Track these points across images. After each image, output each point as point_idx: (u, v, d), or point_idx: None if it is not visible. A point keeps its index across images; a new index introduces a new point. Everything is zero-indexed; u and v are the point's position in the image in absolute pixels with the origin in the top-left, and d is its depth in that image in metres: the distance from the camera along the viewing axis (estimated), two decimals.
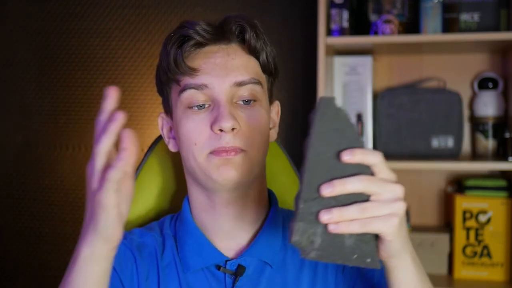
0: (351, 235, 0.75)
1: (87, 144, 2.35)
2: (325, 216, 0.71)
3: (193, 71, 0.93)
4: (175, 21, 2.28)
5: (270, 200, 1.05)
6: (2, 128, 2.43)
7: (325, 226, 0.74)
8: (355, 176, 0.72)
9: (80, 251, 0.77)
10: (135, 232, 1.03)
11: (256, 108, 0.95)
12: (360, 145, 0.74)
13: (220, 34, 0.96)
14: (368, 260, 0.76)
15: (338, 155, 0.73)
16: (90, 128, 2.35)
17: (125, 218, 0.77)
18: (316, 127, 0.73)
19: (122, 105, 2.30)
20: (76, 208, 2.37)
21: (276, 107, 1.06)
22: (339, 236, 0.75)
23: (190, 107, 0.93)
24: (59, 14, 2.36)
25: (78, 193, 2.36)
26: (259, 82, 0.96)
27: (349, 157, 0.72)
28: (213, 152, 0.92)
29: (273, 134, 1.04)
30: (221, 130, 0.90)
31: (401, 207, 0.73)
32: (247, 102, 0.94)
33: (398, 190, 0.73)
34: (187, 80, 0.94)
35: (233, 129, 0.91)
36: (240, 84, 0.93)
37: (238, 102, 0.94)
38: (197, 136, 0.92)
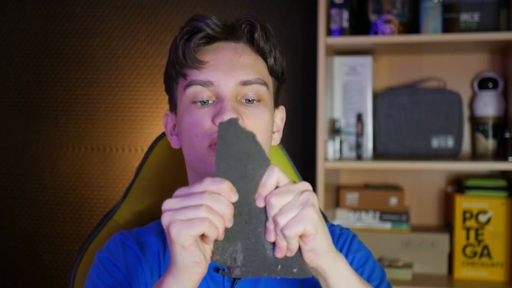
0: (272, 248, 0.76)
1: (86, 144, 2.35)
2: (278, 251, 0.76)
3: (200, 63, 0.93)
4: (175, 21, 2.28)
5: None
6: (2, 128, 2.43)
7: (245, 241, 0.76)
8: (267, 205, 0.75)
9: (164, 279, 0.78)
10: (137, 232, 1.03)
11: (260, 108, 0.94)
12: (267, 162, 0.76)
13: (229, 31, 0.96)
14: (295, 270, 0.76)
15: (245, 176, 0.76)
16: (90, 128, 2.35)
17: (210, 256, 0.77)
18: (219, 153, 0.76)
19: (122, 105, 2.31)
20: (76, 208, 2.37)
21: (281, 112, 1.06)
22: (261, 249, 0.76)
23: (194, 102, 0.93)
24: (59, 14, 2.36)
25: (78, 193, 2.36)
26: (264, 83, 0.95)
27: (261, 201, 0.76)
28: (212, 145, 0.91)
29: (276, 138, 1.04)
30: None
31: (308, 196, 0.75)
32: (251, 101, 0.94)
33: (302, 186, 0.76)
34: (193, 75, 0.93)
35: None
36: (245, 83, 0.93)
37: (242, 100, 0.94)
38: (198, 128, 0.92)
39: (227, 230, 0.75)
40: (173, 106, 1.01)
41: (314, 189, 1.86)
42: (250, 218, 0.76)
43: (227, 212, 0.73)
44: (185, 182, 1.02)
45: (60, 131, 2.38)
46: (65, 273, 2.38)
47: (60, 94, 2.37)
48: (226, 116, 0.88)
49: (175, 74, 0.97)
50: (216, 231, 0.73)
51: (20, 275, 2.43)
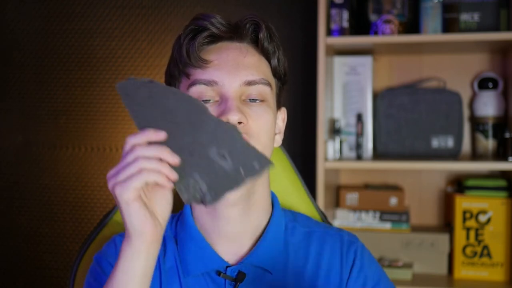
0: (226, 160, 0.76)
1: (86, 144, 2.35)
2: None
3: (204, 62, 0.92)
4: (175, 21, 2.28)
5: (273, 203, 1.04)
6: (2, 128, 2.43)
7: (199, 170, 0.77)
8: None
9: (121, 248, 0.80)
10: None
11: (263, 108, 0.94)
12: (170, 90, 0.78)
13: (234, 30, 0.96)
14: (255, 164, 0.76)
15: (162, 114, 0.77)
16: (90, 128, 2.35)
17: (162, 217, 0.80)
18: (130, 108, 0.79)
19: (122, 105, 2.31)
20: (76, 208, 2.37)
21: (283, 113, 1.06)
22: (218, 167, 0.77)
23: None
24: (59, 14, 2.36)
25: (78, 193, 2.36)
26: (268, 84, 0.95)
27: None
28: None
29: (278, 139, 1.04)
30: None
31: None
32: (254, 101, 0.93)
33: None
34: (197, 74, 0.93)
35: (239, 122, 0.90)
36: (249, 84, 0.93)
37: (246, 100, 0.93)
38: None
39: (178, 169, 0.77)
40: None
41: (315, 189, 1.87)
42: (192, 147, 0.77)
43: (162, 151, 0.75)
44: None
45: (60, 131, 2.38)
46: (65, 273, 2.38)
47: (60, 94, 2.37)
48: (231, 116, 0.88)
49: (178, 73, 0.96)
50: (161, 175, 0.75)
51: (20, 275, 2.43)
